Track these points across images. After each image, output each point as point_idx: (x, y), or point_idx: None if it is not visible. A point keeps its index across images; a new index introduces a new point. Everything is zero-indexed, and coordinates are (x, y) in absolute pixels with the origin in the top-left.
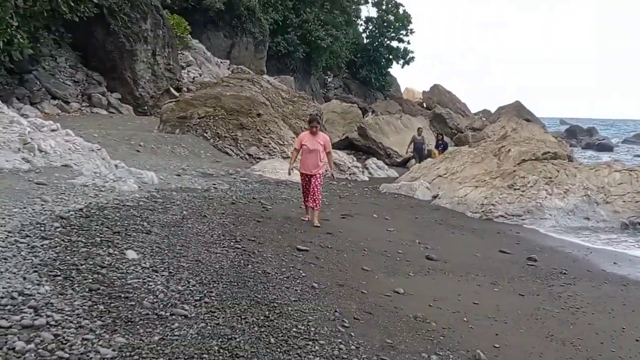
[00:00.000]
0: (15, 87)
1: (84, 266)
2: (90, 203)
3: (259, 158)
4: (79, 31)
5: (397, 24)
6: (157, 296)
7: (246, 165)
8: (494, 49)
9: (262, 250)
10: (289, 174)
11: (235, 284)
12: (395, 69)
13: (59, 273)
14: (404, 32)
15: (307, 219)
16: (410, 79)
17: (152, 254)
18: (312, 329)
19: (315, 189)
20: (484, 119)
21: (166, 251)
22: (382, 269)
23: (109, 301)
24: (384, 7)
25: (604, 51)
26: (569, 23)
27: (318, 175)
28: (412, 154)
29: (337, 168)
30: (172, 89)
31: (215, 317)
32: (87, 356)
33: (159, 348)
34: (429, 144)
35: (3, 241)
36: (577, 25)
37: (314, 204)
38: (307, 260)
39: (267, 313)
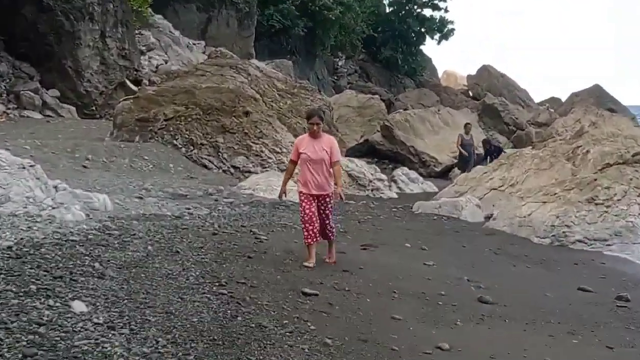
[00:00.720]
0: None
1: (15, 324)
2: (21, 239)
3: (249, 172)
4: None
5: None
6: None
7: (231, 182)
8: (510, 37)
9: (256, 296)
10: (280, 198)
11: (221, 343)
12: (430, 47)
13: None
14: None
15: (311, 264)
16: (449, 60)
17: (106, 305)
18: None
19: (328, 219)
20: (551, 110)
21: (126, 301)
22: (419, 317)
23: None
24: None
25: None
26: (585, 11)
27: (329, 198)
28: (455, 161)
29: (355, 182)
30: (128, 82)
31: None
32: None
33: None
34: (477, 147)
35: None
36: (593, 13)
37: (330, 234)
38: (317, 308)
39: None
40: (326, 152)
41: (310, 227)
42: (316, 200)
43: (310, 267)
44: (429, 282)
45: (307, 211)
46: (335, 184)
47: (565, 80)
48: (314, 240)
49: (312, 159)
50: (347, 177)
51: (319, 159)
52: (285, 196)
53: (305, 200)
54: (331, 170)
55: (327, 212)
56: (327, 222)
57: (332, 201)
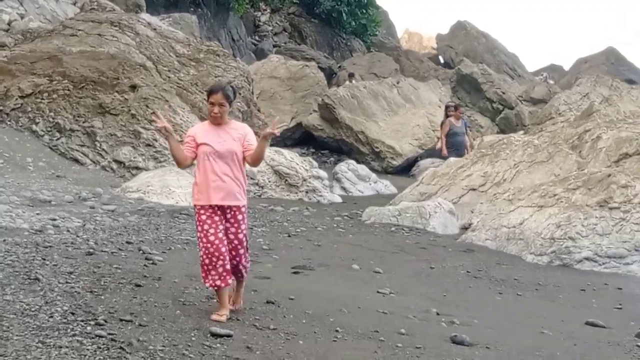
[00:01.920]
0: None
1: None
2: None
3: (137, 168)
4: None
5: None
6: None
7: (113, 183)
8: None
9: (147, 338)
10: (161, 131)
11: None
12: None
13: None
14: None
15: (224, 317)
16: (413, 15)
17: None
18: None
19: (243, 248)
20: (551, 81)
21: None
22: None
23: None
24: None
25: None
26: None
27: (242, 215)
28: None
29: (284, 182)
30: None
31: None
32: None
33: None
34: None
35: None
36: None
37: (243, 269)
38: (231, 355)
39: None
40: (236, 142)
41: (219, 263)
42: (222, 217)
43: (221, 321)
44: (385, 317)
45: (212, 237)
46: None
47: (570, 41)
48: (226, 281)
49: (217, 151)
50: (272, 174)
51: (227, 152)
52: (161, 124)
53: (207, 220)
54: (242, 169)
55: (240, 235)
56: (239, 251)
57: (246, 216)
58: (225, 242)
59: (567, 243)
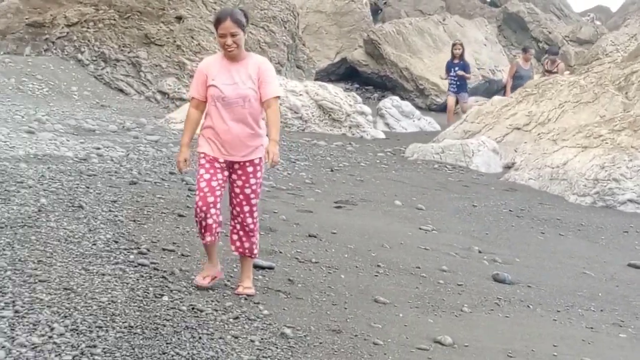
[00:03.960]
0: None
1: None
2: None
3: (181, 99)
4: None
5: None
6: None
7: (157, 113)
8: None
9: (189, 268)
10: (180, 171)
11: (140, 331)
12: None
13: None
14: None
15: (205, 282)
16: None
17: None
18: None
19: (249, 205)
20: (598, 22)
21: (9, 272)
22: (413, 300)
23: None
24: None
25: None
26: None
27: (253, 167)
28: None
29: (327, 117)
30: None
31: None
32: None
33: None
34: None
35: None
36: None
37: (247, 244)
38: (273, 287)
39: None
40: (252, 82)
41: (201, 215)
42: (228, 172)
43: (203, 285)
44: (427, 253)
45: (202, 184)
46: (270, 138)
47: None
48: (213, 236)
49: (226, 96)
50: (316, 109)
51: (238, 97)
52: (188, 167)
53: (206, 164)
54: (262, 115)
55: (247, 189)
56: (246, 213)
57: (260, 172)
58: (218, 194)
59: (610, 184)
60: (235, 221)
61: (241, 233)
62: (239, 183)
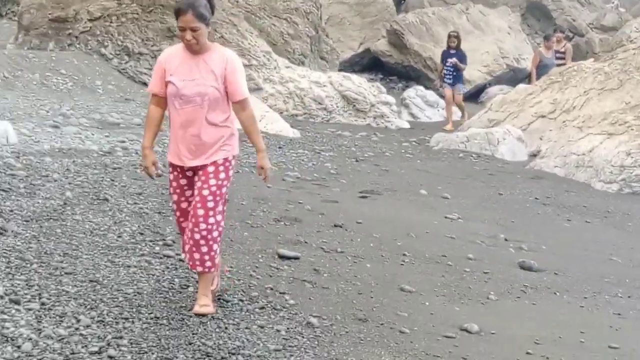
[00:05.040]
0: None
1: None
2: None
3: None
4: None
5: None
6: (19, 348)
7: None
8: None
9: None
10: (151, 174)
11: (166, 322)
12: None
13: None
14: None
15: (200, 307)
16: None
17: (8, 271)
18: None
19: (204, 209)
20: (622, 9)
21: (35, 265)
22: (439, 288)
23: None
24: None
25: None
26: None
27: (215, 167)
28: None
29: (352, 107)
30: None
31: None
32: None
33: None
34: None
35: None
36: None
37: (197, 255)
38: (299, 277)
39: None
40: (215, 79)
41: (183, 223)
42: (187, 177)
43: (198, 312)
44: (453, 241)
45: (177, 210)
46: (257, 149)
47: None
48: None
49: (183, 94)
50: (340, 99)
51: (197, 95)
52: (156, 170)
53: (173, 182)
54: (224, 115)
55: (204, 190)
56: (199, 217)
57: (220, 178)
58: (188, 211)
59: (637, 171)
60: (189, 227)
61: (191, 242)
62: (198, 184)
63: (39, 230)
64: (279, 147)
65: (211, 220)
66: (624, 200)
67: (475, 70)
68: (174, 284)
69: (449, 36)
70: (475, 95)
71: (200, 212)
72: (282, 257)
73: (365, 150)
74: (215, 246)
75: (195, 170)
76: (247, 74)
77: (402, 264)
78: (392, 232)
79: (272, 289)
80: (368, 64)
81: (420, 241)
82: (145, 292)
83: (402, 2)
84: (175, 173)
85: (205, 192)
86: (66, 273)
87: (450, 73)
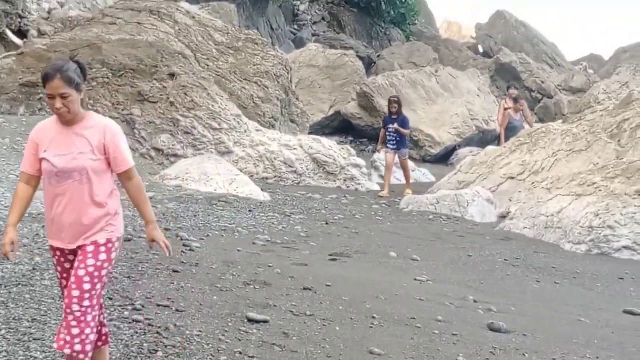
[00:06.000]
0: None
1: None
2: None
3: (175, 155)
4: None
5: None
6: None
7: (152, 170)
8: None
9: (184, 323)
10: (7, 257)
11: None
12: None
13: None
14: None
15: None
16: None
17: None
18: None
19: (79, 290)
20: (590, 71)
21: (3, 331)
22: (408, 350)
23: None
24: None
25: None
26: None
27: (95, 247)
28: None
29: (322, 170)
30: (9, 33)
31: None
32: None
33: None
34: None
35: None
36: None
37: (69, 337)
38: (268, 340)
39: None
40: (93, 151)
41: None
42: (68, 258)
43: None
44: (422, 304)
45: (61, 273)
46: (146, 221)
47: (610, 32)
48: (91, 344)
49: (59, 170)
50: (311, 162)
51: (73, 170)
52: (15, 250)
53: (57, 266)
54: (111, 190)
55: (81, 271)
56: (73, 298)
57: (104, 256)
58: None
59: (605, 232)
60: (64, 307)
61: (64, 323)
62: (76, 264)
63: (8, 296)
64: (249, 211)
65: (86, 303)
66: (592, 261)
67: (445, 132)
68: (142, 349)
69: (390, 102)
70: (445, 157)
71: (75, 293)
72: (252, 320)
73: (335, 213)
74: (88, 330)
75: (71, 254)
76: (217, 137)
77: (371, 327)
78: (361, 295)
79: (241, 353)
80: (338, 126)
81: (389, 304)
82: (114, 357)
83: (372, 65)
84: (57, 256)
85: (82, 273)
86: (35, 339)
87: (394, 139)
